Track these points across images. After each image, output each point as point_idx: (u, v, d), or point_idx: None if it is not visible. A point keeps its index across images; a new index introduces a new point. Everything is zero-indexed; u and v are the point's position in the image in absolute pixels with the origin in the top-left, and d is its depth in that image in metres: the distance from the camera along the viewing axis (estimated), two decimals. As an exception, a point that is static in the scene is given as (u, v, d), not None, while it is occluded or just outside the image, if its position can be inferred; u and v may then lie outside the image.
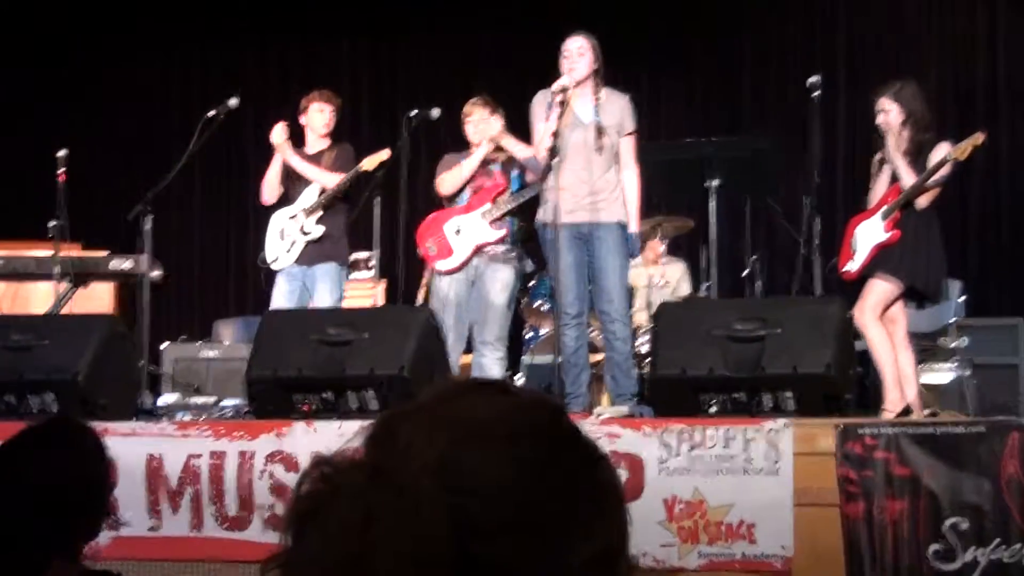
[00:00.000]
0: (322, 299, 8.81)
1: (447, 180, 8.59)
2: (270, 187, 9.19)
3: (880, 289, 7.30)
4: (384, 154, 8.93)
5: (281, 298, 8.91)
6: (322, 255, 8.94)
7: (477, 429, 1.33)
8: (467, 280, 8.48)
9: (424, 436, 1.32)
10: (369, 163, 8.91)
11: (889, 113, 7.44)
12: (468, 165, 8.54)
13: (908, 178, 7.34)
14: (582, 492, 1.34)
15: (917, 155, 7.37)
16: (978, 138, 7.36)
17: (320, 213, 8.96)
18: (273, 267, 9.05)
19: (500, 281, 8.42)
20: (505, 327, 8.41)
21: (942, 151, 7.33)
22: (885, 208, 7.40)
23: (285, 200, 9.17)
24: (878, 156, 7.65)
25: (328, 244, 8.95)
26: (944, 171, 7.33)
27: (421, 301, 9.03)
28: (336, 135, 9.25)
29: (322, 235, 8.92)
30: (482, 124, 8.52)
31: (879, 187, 7.57)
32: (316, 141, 9.18)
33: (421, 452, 1.30)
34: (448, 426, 1.33)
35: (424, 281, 8.86)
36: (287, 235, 9.03)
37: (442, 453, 1.30)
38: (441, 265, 8.50)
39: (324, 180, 8.99)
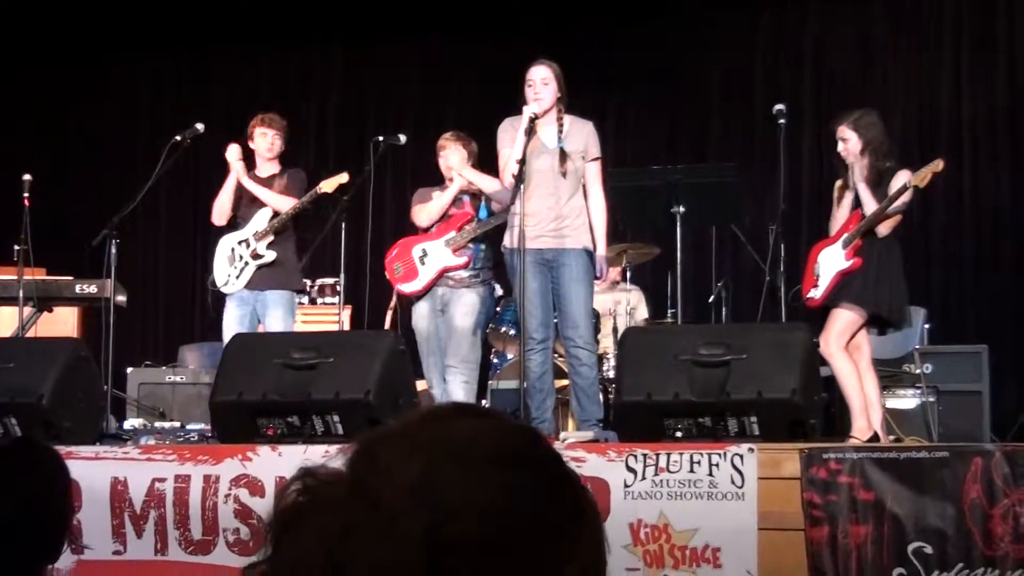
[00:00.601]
0: (274, 325, 8.80)
1: (422, 213, 8.75)
2: (222, 209, 9.14)
3: (844, 318, 7.35)
4: (343, 177, 8.94)
5: (233, 323, 8.88)
6: (274, 281, 8.93)
7: (455, 450, 1.35)
8: (435, 310, 8.63)
9: (404, 455, 1.34)
10: (328, 185, 8.91)
11: (848, 141, 7.52)
12: (443, 199, 8.70)
13: (870, 205, 7.40)
14: (559, 516, 1.36)
15: (878, 183, 7.43)
16: (937, 165, 7.43)
17: (271, 238, 8.94)
18: (223, 291, 9.02)
19: (465, 305, 8.57)
20: (472, 351, 8.48)
21: (902, 179, 7.40)
22: (846, 236, 7.45)
23: (234, 224, 9.13)
24: (839, 183, 7.72)
25: (280, 270, 8.94)
26: (904, 198, 7.39)
27: (388, 325, 9.06)
28: (296, 156, 9.25)
29: (274, 260, 8.91)
30: (455, 158, 8.63)
31: (840, 214, 7.62)
32: (265, 165, 9.17)
33: (400, 470, 1.33)
34: (427, 447, 1.35)
35: (391, 304, 8.88)
36: (237, 259, 8.99)
37: (420, 472, 1.32)
38: (405, 287, 8.66)
39: (277, 204, 8.97)
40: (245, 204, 9.10)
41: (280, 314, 8.86)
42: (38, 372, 7.28)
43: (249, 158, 9.16)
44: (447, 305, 8.60)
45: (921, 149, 11.14)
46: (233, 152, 9.10)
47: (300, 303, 10.93)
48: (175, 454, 6.75)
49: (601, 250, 7.93)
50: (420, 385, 8.58)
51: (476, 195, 8.74)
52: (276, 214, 8.95)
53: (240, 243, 9.02)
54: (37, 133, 13.55)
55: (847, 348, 7.37)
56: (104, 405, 7.96)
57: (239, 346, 7.60)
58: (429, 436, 1.37)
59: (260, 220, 9.02)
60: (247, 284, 8.93)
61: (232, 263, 9.00)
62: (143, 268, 13.40)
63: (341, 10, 12.82)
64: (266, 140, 9.12)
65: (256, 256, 8.93)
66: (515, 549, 1.32)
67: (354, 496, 1.32)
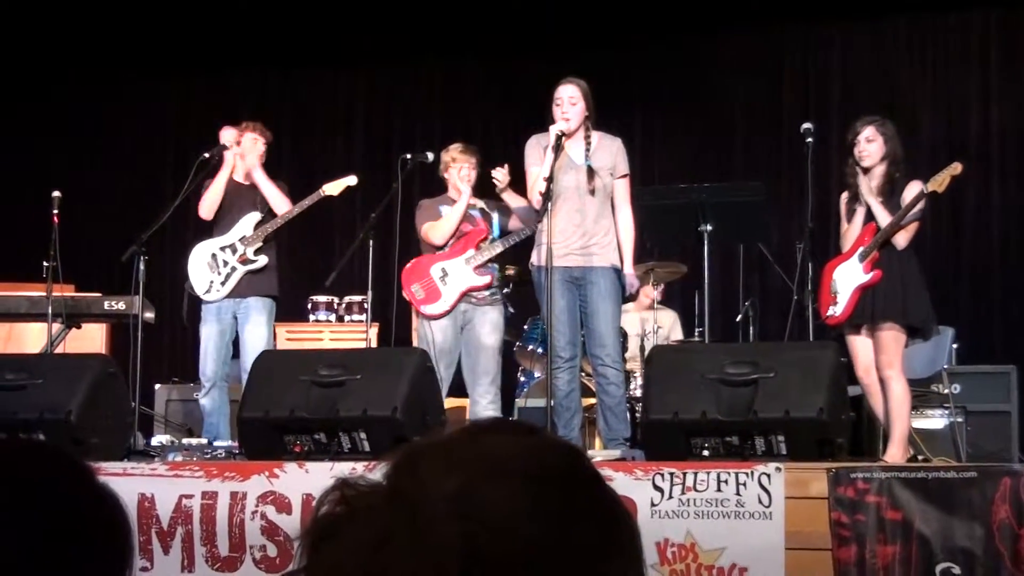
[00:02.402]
0: (255, 331, 8.72)
1: (438, 231, 8.61)
2: (211, 203, 9.01)
3: (891, 338, 7.29)
4: (351, 179, 8.90)
5: (214, 337, 8.79)
6: (258, 287, 8.84)
7: (496, 465, 1.35)
8: (455, 326, 8.50)
9: (444, 467, 1.35)
10: (332, 188, 8.89)
11: (873, 143, 7.47)
12: (455, 216, 8.59)
13: (884, 217, 7.36)
14: (593, 537, 1.35)
15: (890, 194, 7.39)
16: (956, 168, 7.39)
17: (260, 243, 8.89)
18: (205, 298, 8.89)
19: (490, 323, 8.49)
20: (498, 369, 8.43)
21: (915, 188, 7.35)
22: (862, 249, 7.41)
23: (211, 230, 9.05)
24: (844, 196, 7.67)
25: (264, 277, 8.87)
26: (920, 206, 7.35)
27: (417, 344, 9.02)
28: (325, 172, 9.24)
29: (264, 266, 8.83)
30: (471, 172, 8.60)
31: (852, 229, 7.58)
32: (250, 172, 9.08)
33: (439, 481, 1.33)
34: (468, 460, 1.36)
35: (416, 326, 8.81)
36: (221, 265, 8.88)
37: (460, 483, 1.32)
38: (430, 309, 8.49)
39: (281, 203, 8.92)
40: (227, 209, 8.98)
41: (264, 319, 8.76)
42: (66, 389, 7.31)
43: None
44: (470, 322, 8.50)
45: (949, 164, 11.10)
46: (229, 136, 9.03)
47: (328, 320, 10.97)
48: (202, 471, 6.77)
49: (628, 268, 7.93)
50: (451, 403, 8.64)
51: (484, 209, 8.71)
52: (263, 220, 8.89)
53: (223, 249, 8.90)
54: (67, 151, 13.61)
55: (864, 369, 7.35)
56: (132, 421, 7.97)
57: (267, 363, 7.61)
58: (472, 449, 1.38)
59: (246, 225, 8.92)
60: (232, 291, 8.82)
61: (214, 269, 8.86)
62: (171, 285, 13.42)
63: (369, 30, 12.85)
64: (252, 156, 9.01)
65: (245, 261, 8.82)
66: (549, 566, 1.31)
67: (392, 505, 1.33)
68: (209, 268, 8.89)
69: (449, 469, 1.34)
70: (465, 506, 1.31)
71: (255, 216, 8.93)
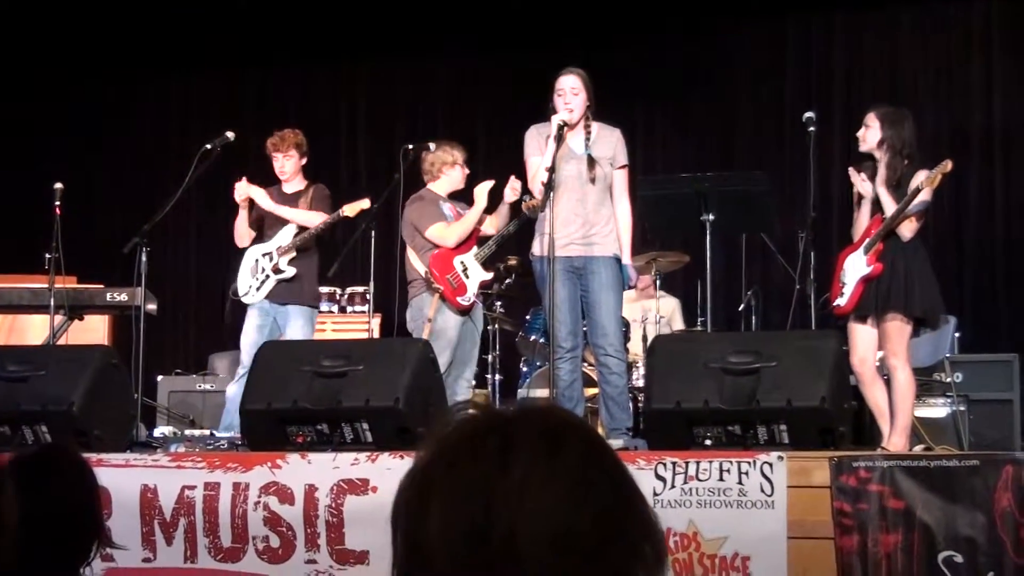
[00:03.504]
0: (295, 337, 8.89)
1: (455, 234, 8.77)
2: (240, 234, 9.31)
3: (898, 329, 7.30)
4: (364, 203, 9.01)
5: (252, 330, 8.97)
6: (294, 296, 9.03)
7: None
8: (462, 319, 8.74)
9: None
10: (350, 210, 9.00)
11: (869, 129, 7.48)
12: (473, 218, 8.82)
13: (890, 207, 7.36)
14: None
15: (897, 184, 7.38)
16: (946, 165, 7.37)
17: (293, 254, 9.04)
18: (244, 300, 9.10)
19: (481, 317, 9.07)
20: None
21: (919, 180, 7.35)
22: (868, 241, 7.41)
23: (260, 236, 9.23)
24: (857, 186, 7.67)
25: (298, 286, 9.04)
26: (923, 197, 7.32)
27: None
28: (328, 165, 9.32)
29: (294, 276, 8.99)
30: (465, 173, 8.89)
31: (862, 219, 7.58)
32: (289, 182, 9.27)
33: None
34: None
35: (430, 315, 8.78)
36: (260, 271, 9.09)
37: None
38: (462, 300, 8.71)
39: (305, 220, 9.08)
40: (270, 219, 9.18)
41: (300, 325, 8.98)
42: (69, 380, 7.31)
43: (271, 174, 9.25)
44: (471, 316, 8.81)
45: (953, 154, 11.11)
46: (240, 191, 9.20)
47: (330, 311, 11.02)
48: (205, 462, 6.77)
49: (627, 259, 7.92)
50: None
51: (459, 213, 8.97)
52: (301, 231, 9.02)
53: (264, 255, 9.11)
54: (69, 142, 13.62)
55: (860, 359, 7.35)
56: (134, 413, 7.98)
57: (269, 354, 7.61)
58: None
59: (285, 235, 9.12)
60: (267, 296, 9.02)
61: (255, 274, 9.09)
62: (174, 276, 13.45)
63: (372, 21, 12.85)
64: (277, 164, 9.26)
65: (277, 271, 9.02)
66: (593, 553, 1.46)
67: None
68: (251, 272, 9.14)
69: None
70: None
71: (293, 227, 9.10)
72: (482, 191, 8.76)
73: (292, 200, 9.15)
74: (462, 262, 8.75)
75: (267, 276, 9.04)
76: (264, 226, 9.22)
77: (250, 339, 8.86)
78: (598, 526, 1.47)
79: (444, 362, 8.30)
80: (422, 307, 8.65)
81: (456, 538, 1.44)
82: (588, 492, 1.48)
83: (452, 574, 1.44)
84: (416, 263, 8.74)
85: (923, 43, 12.20)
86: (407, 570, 1.49)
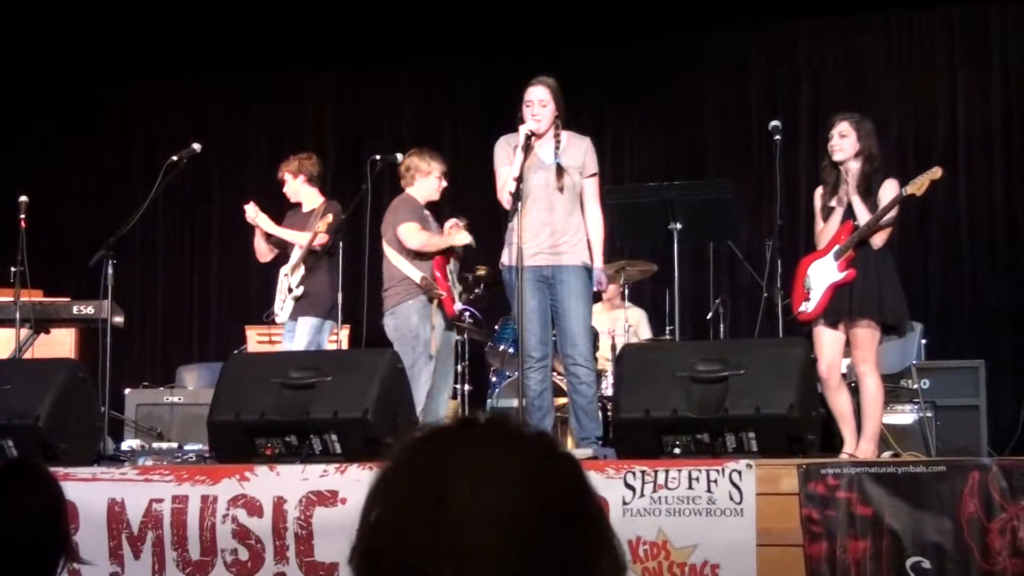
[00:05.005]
0: (297, 347, 9.06)
1: (423, 242, 8.78)
2: (259, 252, 9.57)
3: (868, 336, 7.34)
4: (329, 217, 9.07)
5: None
6: (302, 310, 9.21)
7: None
8: (445, 328, 8.91)
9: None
10: (322, 225, 9.07)
11: (846, 138, 7.50)
12: (445, 244, 8.89)
13: (864, 215, 7.38)
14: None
15: (867, 193, 7.41)
16: (935, 172, 7.42)
17: (302, 271, 9.17)
18: (277, 320, 9.38)
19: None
20: None
21: (890, 188, 7.39)
22: (838, 247, 7.43)
23: (284, 256, 9.45)
24: (819, 191, 7.69)
25: (307, 301, 9.19)
26: (897, 208, 7.38)
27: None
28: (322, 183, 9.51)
29: (302, 294, 9.15)
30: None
31: (829, 226, 7.59)
32: (308, 199, 9.49)
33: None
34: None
35: (413, 322, 8.78)
36: (281, 291, 9.31)
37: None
38: (455, 307, 8.90)
39: (296, 240, 9.25)
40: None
41: (302, 333, 9.12)
42: (35, 394, 7.27)
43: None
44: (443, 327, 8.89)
45: (917, 162, 11.18)
46: (248, 216, 9.41)
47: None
48: (172, 475, 6.74)
49: (599, 263, 7.93)
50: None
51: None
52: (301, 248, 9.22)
53: (284, 276, 9.32)
54: (33, 154, 13.55)
55: (827, 366, 7.37)
56: (101, 426, 7.94)
57: (237, 366, 7.59)
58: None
59: (294, 254, 9.31)
60: (289, 315, 9.23)
61: (280, 294, 9.32)
62: (140, 289, 13.39)
63: (337, 32, 12.82)
64: (285, 188, 9.53)
65: (290, 290, 9.23)
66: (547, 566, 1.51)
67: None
68: (279, 292, 9.35)
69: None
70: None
71: (299, 250, 9.29)
72: (457, 237, 8.87)
73: (305, 219, 9.35)
74: (449, 271, 8.86)
75: (285, 296, 9.24)
76: (285, 243, 9.42)
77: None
78: (547, 518, 1.52)
79: (430, 372, 8.50)
80: (409, 315, 8.62)
81: (411, 517, 1.49)
82: (541, 487, 1.54)
83: (405, 552, 1.48)
84: (404, 267, 8.70)
85: (887, 50, 12.25)
86: (362, 548, 1.54)
